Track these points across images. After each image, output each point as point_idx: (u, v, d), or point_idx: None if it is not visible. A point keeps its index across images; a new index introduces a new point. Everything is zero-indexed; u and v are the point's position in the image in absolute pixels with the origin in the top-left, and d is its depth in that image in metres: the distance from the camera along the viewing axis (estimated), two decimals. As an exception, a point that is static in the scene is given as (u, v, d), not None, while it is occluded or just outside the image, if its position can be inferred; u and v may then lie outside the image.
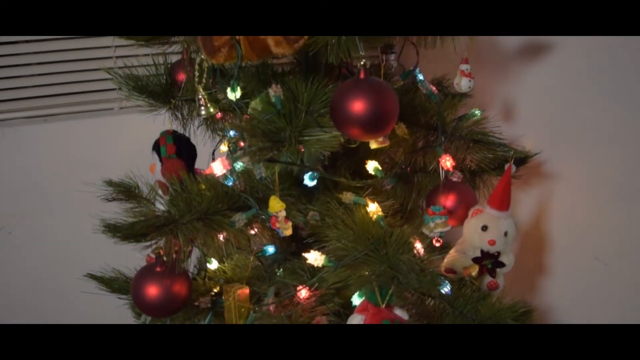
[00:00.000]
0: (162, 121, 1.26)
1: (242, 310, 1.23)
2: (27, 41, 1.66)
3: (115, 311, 1.44)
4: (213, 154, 1.34)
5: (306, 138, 1.00)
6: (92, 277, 1.40)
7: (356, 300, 1.16)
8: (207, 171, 1.11)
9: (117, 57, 1.70)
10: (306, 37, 1.01)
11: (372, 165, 1.23)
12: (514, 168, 1.27)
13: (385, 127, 1.00)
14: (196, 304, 1.30)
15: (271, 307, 1.21)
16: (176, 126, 1.28)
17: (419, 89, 1.29)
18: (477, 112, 1.29)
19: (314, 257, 1.11)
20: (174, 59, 1.28)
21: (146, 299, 1.14)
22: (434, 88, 1.27)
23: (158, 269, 1.14)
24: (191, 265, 1.35)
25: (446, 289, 1.07)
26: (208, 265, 1.34)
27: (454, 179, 1.28)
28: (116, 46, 1.69)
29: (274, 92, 1.02)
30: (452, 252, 1.29)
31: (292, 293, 1.19)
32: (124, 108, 1.74)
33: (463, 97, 1.36)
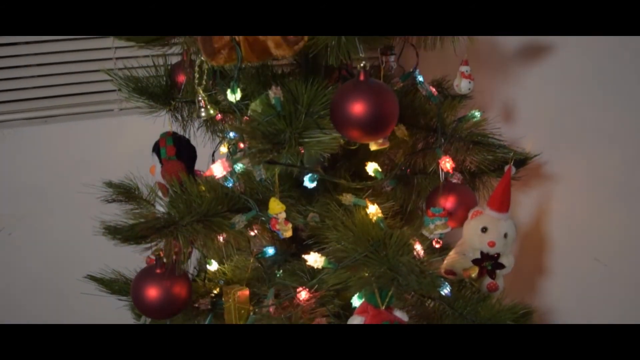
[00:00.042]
0: (162, 123, 1.26)
1: (242, 311, 1.23)
2: (27, 42, 1.66)
3: (115, 312, 1.44)
4: (213, 155, 1.34)
5: (306, 140, 1.00)
6: (92, 278, 1.40)
7: (356, 301, 1.16)
8: (207, 173, 1.11)
9: (117, 58, 1.70)
10: (306, 39, 1.01)
11: (372, 167, 1.23)
12: (513, 170, 1.27)
13: (385, 129, 1.00)
14: (196, 305, 1.30)
15: (271, 309, 1.21)
16: (176, 128, 1.28)
17: (418, 91, 1.29)
18: (476, 113, 1.29)
19: (314, 259, 1.11)
20: (174, 60, 1.28)
21: (146, 300, 1.14)
22: (434, 89, 1.27)
23: (158, 271, 1.14)
24: (191, 266, 1.35)
25: (446, 290, 1.08)
26: (208, 266, 1.34)
27: (454, 181, 1.28)
28: (116, 47, 1.69)
29: (274, 93, 1.02)
30: (451, 253, 1.29)
31: (292, 295, 1.19)
32: (124, 109, 1.74)
33: (463, 99, 1.36)
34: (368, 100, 0.96)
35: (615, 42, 1.46)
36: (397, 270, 1.01)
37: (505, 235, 1.24)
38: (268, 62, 1.22)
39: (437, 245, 1.23)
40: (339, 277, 1.13)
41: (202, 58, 1.06)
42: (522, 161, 1.35)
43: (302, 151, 1.04)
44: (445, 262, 1.29)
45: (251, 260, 1.29)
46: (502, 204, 1.24)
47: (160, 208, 1.20)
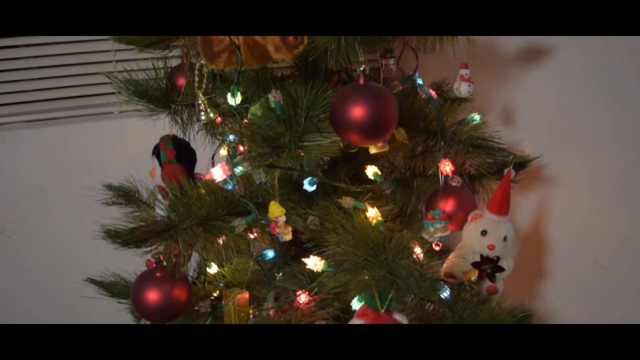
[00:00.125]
0: (162, 126, 1.26)
1: (242, 314, 1.23)
2: (27, 45, 1.66)
3: (115, 315, 1.44)
4: (213, 158, 1.34)
5: (306, 143, 1.00)
6: (92, 281, 1.40)
7: (355, 304, 1.16)
8: (207, 177, 1.11)
9: (117, 61, 1.69)
10: (305, 42, 1.01)
11: (371, 170, 1.23)
12: (513, 173, 1.27)
13: (384, 133, 1.00)
14: (196, 308, 1.30)
15: (271, 312, 1.21)
16: (176, 131, 1.28)
17: (418, 94, 1.29)
18: (476, 116, 1.29)
19: (314, 262, 1.11)
20: (174, 63, 1.28)
21: (146, 303, 1.14)
22: (433, 93, 1.27)
23: (158, 274, 1.14)
24: (191, 269, 1.35)
25: (445, 293, 1.07)
26: (208, 269, 1.34)
27: (454, 184, 1.29)
28: (116, 50, 1.69)
29: (274, 97, 1.03)
30: (451, 256, 1.29)
31: (292, 298, 1.19)
32: (124, 112, 1.74)
33: (462, 102, 1.36)
34: (368, 104, 0.96)
35: (614, 45, 1.47)
36: (396, 273, 1.02)
37: (505, 238, 1.24)
38: (268, 65, 1.23)
39: (437, 248, 1.23)
40: (339, 280, 1.13)
41: (202, 61, 1.06)
42: (521, 164, 1.35)
43: (302, 154, 1.04)
44: (444, 265, 1.29)
45: (251, 263, 1.29)
46: (502, 207, 1.24)
47: (160, 211, 1.20)
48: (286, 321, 1.18)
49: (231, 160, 1.15)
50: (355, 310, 1.14)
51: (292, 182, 1.23)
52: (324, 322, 1.21)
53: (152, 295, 1.14)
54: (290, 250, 1.32)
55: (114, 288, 1.38)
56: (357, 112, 0.96)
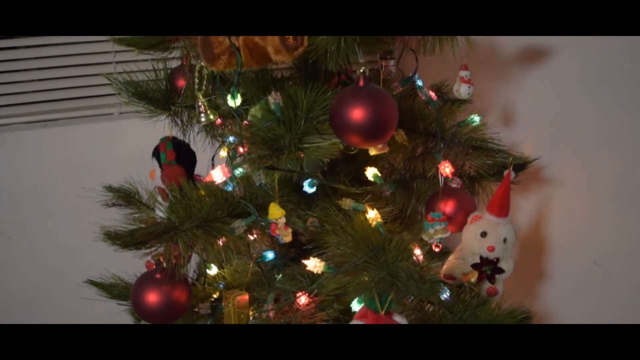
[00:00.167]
0: (161, 127, 1.26)
1: (242, 316, 1.23)
2: (27, 47, 1.66)
3: (115, 317, 1.44)
4: (213, 160, 1.34)
5: (306, 145, 1.00)
6: (92, 283, 1.41)
7: (355, 306, 1.16)
8: (207, 179, 1.11)
9: (117, 62, 1.70)
10: (305, 44, 1.01)
11: (371, 172, 1.23)
12: (513, 174, 1.27)
13: (384, 135, 1.00)
14: (196, 309, 1.30)
15: (271, 313, 1.21)
16: (176, 132, 1.28)
17: (418, 95, 1.29)
18: (476, 118, 1.29)
19: (314, 264, 1.11)
20: (174, 65, 1.28)
21: (146, 305, 1.15)
22: (433, 94, 1.27)
23: (158, 276, 1.14)
24: (190, 270, 1.35)
25: (445, 295, 1.07)
26: (207, 270, 1.34)
27: (453, 185, 1.29)
28: (116, 51, 1.69)
29: (274, 99, 1.03)
30: (451, 258, 1.29)
31: (292, 299, 1.19)
32: (124, 113, 1.74)
33: (462, 104, 1.36)
34: (367, 106, 0.97)
35: (613, 45, 1.47)
36: (396, 275, 1.02)
37: (505, 240, 1.24)
38: (268, 67, 1.23)
39: (437, 250, 1.24)
40: (339, 282, 1.13)
41: (202, 63, 1.06)
42: (521, 165, 1.35)
43: (302, 156, 1.04)
44: (444, 266, 1.29)
45: (251, 265, 1.29)
46: (502, 209, 1.24)
47: (160, 213, 1.20)
48: (286, 323, 1.18)
49: (231, 162, 1.15)
50: (355, 312, 1.14)
51: (292, 183, 1.24)
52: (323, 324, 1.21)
53: (152, 297, 1.14)
54: (290, 252, 1.32)
55: (113, 290, 1.39)
56: (357, 113, 0.96)
